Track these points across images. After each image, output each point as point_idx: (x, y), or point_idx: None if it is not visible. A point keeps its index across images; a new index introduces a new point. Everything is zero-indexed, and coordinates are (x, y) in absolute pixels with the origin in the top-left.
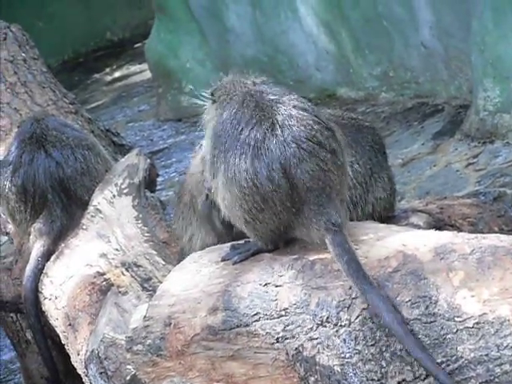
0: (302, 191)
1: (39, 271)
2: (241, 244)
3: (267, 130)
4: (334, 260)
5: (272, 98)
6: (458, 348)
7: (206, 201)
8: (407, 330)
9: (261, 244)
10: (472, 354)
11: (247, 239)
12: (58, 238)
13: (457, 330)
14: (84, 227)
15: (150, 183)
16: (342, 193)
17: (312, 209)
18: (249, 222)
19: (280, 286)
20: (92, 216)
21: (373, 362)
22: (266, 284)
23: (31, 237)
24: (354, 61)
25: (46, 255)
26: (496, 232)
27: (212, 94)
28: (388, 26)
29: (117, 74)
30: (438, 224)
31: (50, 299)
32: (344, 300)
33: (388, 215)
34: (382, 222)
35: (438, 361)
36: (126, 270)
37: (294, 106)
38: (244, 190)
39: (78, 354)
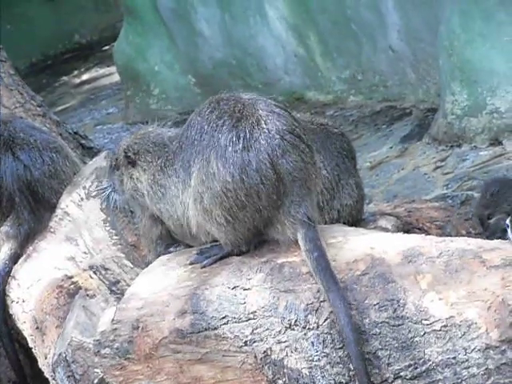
0: (287, 181)
1: (6, 274)
2: (209, 248)
3: (254, 123)
4: (303, 255)
5: (251, 97)
6: (426, 351)
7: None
8: (356, 340)
9: (232, 248)
10: (439, 357)
11: (214, 243)
12: (25, 241)
13: (424, 333)
14: (52, 230)
15: None
16: (317, 189)
17: (293, 200)
18: (228, 222)
19: (248, 289)
20: (60, 219)
21: (341, 365)
22: (234, 287)
23: None
24: (322, 64)
25: (14, 258)
26: (463, 235)
27: (127, 156)
28: (356, 30)
29: (85, 77)
30: (406, 227)
31: (17, 302)
32: (312, 303)
33: (354, 222)
34: (351, 225)
35: (406, 364)
36: (94, 273)
37: (274, 105)
38: (228, 185)
39: (46, 358)
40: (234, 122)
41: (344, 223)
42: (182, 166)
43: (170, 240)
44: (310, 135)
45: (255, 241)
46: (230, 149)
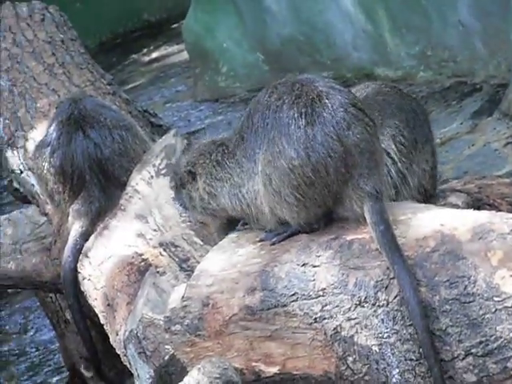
0: (355, 153)
1: (78, 252)
2: None
3: (314, 99)
4: (369, 228)
5: (308, 76)
6: (497, 328)
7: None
8: (422, 312)
9: (302, 227)
10: (511, 334)
11: None
12: (96, 219)
13: (495, 310)
14: (122, 208)
15: None
16: (383, 163)
17: (362, 173)
18: (299, 201)
19: (318, 266)
20: (130, 197)
21: (411, 342)
22: (303, 264)
23: (70, 218)
24: (391, 40)
25: (85, 236)
26: None
27: (190, 172)
28: (426, 5)
29: (154, 55)
30: (477, 203)
31: (88, 279)
32: (382, 280)
33: (429, 193)
34: (423, 200)
35: (477, 340)
36: (164, 250)
37: (333, 82)
38: (293, 162)
39: (117, 334)
40: (294, 98)
41: (425, 190)
42: (244, 155)
43: (230, 228)
44: (387, 97)
45: (325, 219)
46: (293, 125)
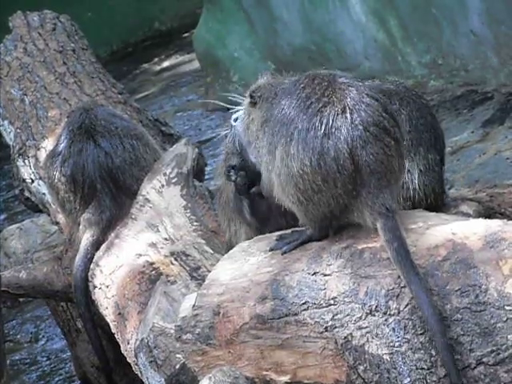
0: (365, 173)
1: (89, 261)
2: (289, 234)
3: (339, 111)
4: (384, 246)
5: (344, 81)
6: (509, 337)
7: (235, 195)
8: (442, 330)
9: (310, 231)
10: None
11: (294, 229)
12: (107, 228)
13: (507, 319)
14: (133, 217)
15: (198, 172)
16: (399, 182)
17: (371, 192)
18: (301, 203)
19: (329, 275)
20: (141, 206)
21: (422, 351)
22: (314, 273)
23: (81, 227)
24: (402, 49)
25: (96, 245)
26: None
27: (251, 96)
28: (437, 14)
29: (165, 64)
30: (488, 212)
31: (99, 288)
32: (393, 289)
33: (437, 200)
34: (432, 210)
35: (488, 349)
36: (175, 259)
37: (366, 93)
38: (305, 169)
39: (128, 343)
40: (321, 106)
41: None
42: (268, 126)
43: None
44: (402, 129)
45: (333, 226)
46: (312, 133)
